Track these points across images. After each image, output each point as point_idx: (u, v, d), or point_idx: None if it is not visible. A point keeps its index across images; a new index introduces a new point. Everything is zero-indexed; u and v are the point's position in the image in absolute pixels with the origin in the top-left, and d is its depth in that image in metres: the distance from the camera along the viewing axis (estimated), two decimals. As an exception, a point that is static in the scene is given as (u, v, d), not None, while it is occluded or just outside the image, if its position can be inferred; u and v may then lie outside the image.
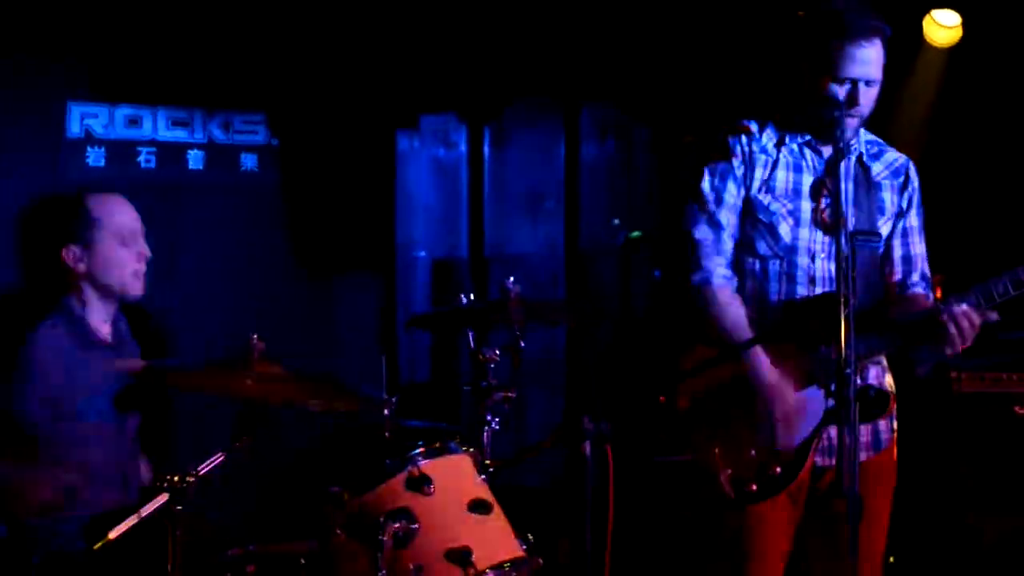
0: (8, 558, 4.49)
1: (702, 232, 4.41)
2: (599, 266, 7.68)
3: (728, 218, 4.40)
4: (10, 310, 4.80)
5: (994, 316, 4.19)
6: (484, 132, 7.67)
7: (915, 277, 4.49)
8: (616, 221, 7.60)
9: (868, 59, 4.21)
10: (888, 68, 4.29)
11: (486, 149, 7.68)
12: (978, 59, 6.66)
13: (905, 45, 6.35)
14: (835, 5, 4.29)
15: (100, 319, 4.67)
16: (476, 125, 7.67)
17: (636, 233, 7.42)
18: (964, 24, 6.61)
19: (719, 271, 4.37)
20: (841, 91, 4.21)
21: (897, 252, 4.50)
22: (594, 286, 7.62)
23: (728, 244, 4.41)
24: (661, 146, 7.71)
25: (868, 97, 4.25)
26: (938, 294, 4.57)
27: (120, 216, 4.66)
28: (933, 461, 5.87)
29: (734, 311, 4.33)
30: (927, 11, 6.66)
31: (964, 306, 4.16)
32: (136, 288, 4.68)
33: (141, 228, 4.72)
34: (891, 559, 5.33)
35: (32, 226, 4.77)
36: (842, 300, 3.74)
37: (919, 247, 4.51)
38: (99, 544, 3.90)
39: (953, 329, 4.14)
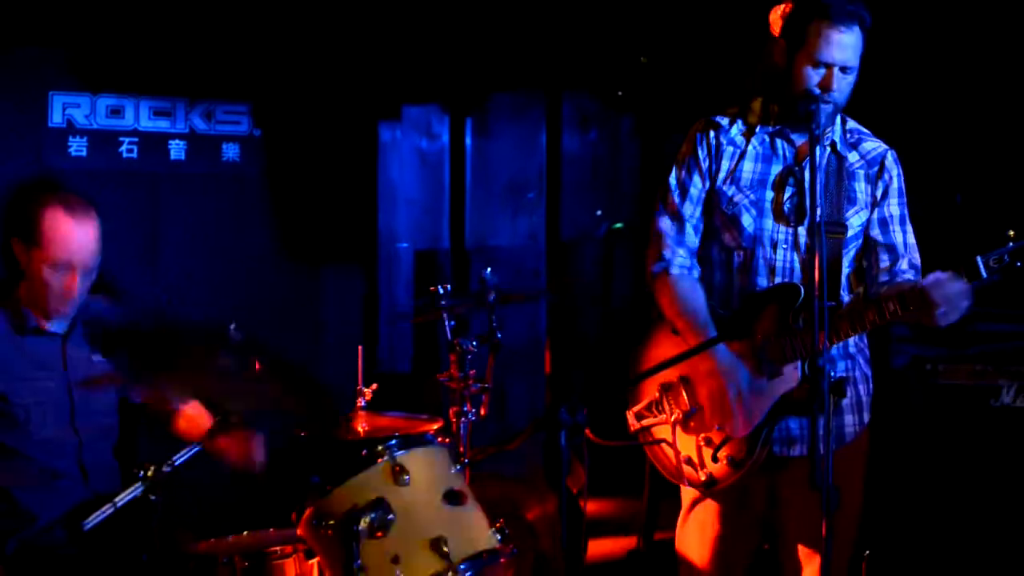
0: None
1: (665, 224, 4.45)
2: (581, 257, 7.71)
3: (692, 210, 4.44)
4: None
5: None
6: (466, 123, 7.68)
7: (903, 265, 4.46)
8: (599, 212, 7.62)
9: (846, 44, 4.22)
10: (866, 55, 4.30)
11: (468, 140, 7.69)
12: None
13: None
14: None
15: (51, 309, 4.62)
16: (458, 116, 7.68)
17: (618, 224, 7.45)
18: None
19: (678, 260, 4.41)
20: (816, 75, 4.22)
21: (879, 241, 4.50)
22: (576, 277, 7.65)
23: (692, 236, 4.44)
24: (644, 135, 7.73)
25: (843, 84, 4.26)
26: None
27: (62, 243, 4.48)
28: (909, 454, 5.89)
29: (692, 299, 4.37)
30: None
31: (937, 273, 4.17)
32: (57, 313, 4.58)
33: (86, 262, 4.52)
34: (867, 552, 5.34)
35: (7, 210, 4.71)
36: (817, 291, 3.77)
37: (901, 236, 4.48)
38: (74, 534, 3.92)
39: (936, 297, 4.13)
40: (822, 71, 4.22)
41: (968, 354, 5.84)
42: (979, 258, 4.12)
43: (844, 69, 4.24)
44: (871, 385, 4.47)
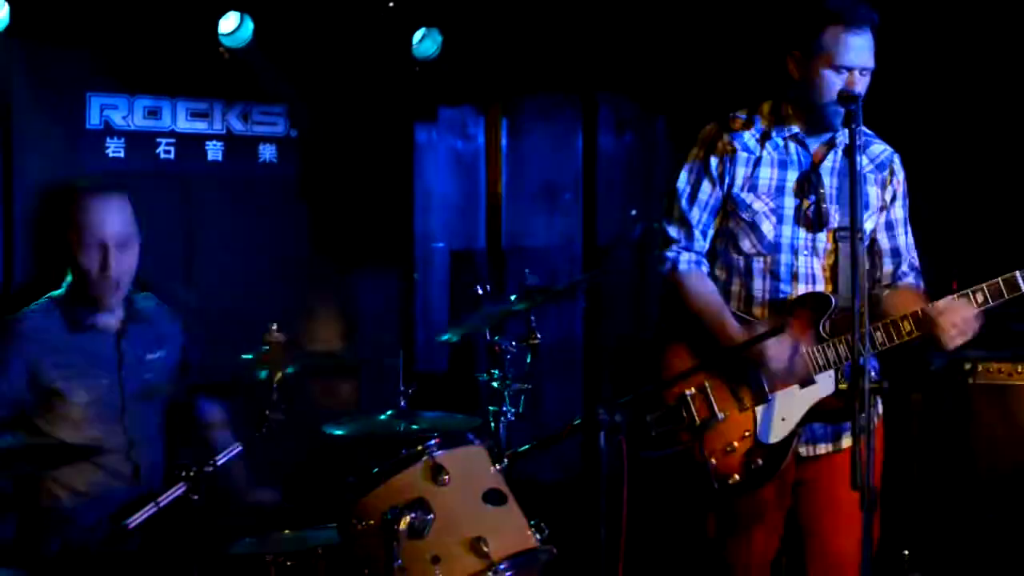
0: (26, 547, 4.52)
1: (673, 228, 4.47)
2: (616, 258, 7.70)
3: (700, 215, 4.44)
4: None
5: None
6: (502, 124, 7.68)
7: (904, 267, 4.54)
8: (633, 212, 7.61)
9: (863, 47, 4.26)
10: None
11: (504, 141, 7.70)
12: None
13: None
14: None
15: (103, 305, 4.66)
16: (494, 117, 7.68)
17: (655, 225, 7.43)
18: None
19: (683, 257, 4.42)
20: (839, 81, 4.24)
21: (884, 244, 4.54)
22: (611, 278, 7.64)
23: (700, 241, 4.46)
24: (679, 137, 7.72)
25: (863, 86, 4.28)
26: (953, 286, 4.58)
27: (92, 225, 4.55)
28: (949, 454, 5.87)
29: (705, 291, 4.39)
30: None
31: (950, 299, 4.22)
32: (106, 298, 4.63)
33: (118, 238, 4.57)
34: (905, 552, 5.34)
35: (44, 210, 4.76)
36: (856, 296, 3.77)
37: (904, 238, 4.56)
38: (117, 534, 3.94)
39: (945, 323, 4.19)
40: (844, 75, 4.24)
41: (1005, 355, 5.83)
42: (1018, 273, 4.17)
43: (862, 71, 4.26)
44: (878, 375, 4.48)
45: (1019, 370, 5.78)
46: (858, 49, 4.24)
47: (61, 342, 4.59)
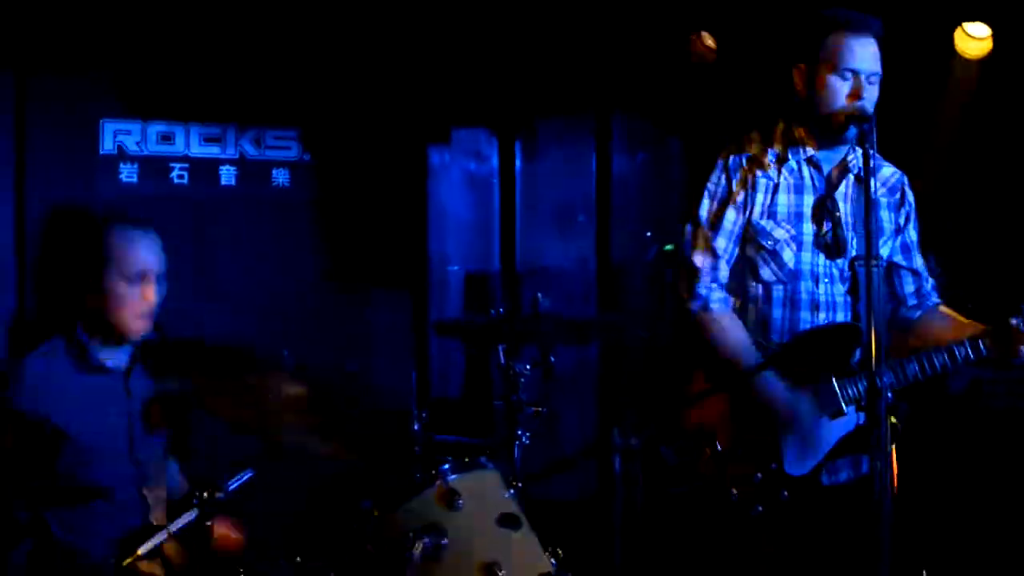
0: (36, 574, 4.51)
1: (699, 259, 4.41)
2: (631, 280, 7.67)
3: (725, 244, 4.40)
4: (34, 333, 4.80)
5: None
6: (515, 145, 7.67)
7: (927, 287, 4.52)
8: (648, 234, 7.59)
9: (866, 51, 4.23)
10: (919, 80, 4.29)
11: (517, 162, 7.68)
12: (1010, 70, 6.63)
13: (937, 58, 6.34)
14: (826, 10, 4.31)
15: (110, 348, 4.65)
16: (507, 139, 7.67)
17: (669, 247, 7.41)
18: (994, 36, 6.59)
19: (715, 295, 4.38)
20: (845, 86, 4.20)
21: (903, 265, 4.51)
22: (626, 300, 7.61)
23: (724, 270, 4.42)
24: (694, 158, 7.70)
25: (871, 93, 4.24)
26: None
27: (133, 254, 4.56)
28: (970, 477, 5.84)
29: (735, 334, 4.34)
30: (958, 24, 6.64)
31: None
32: (137, 329, 4.62)
33: (157, 269, 4.61)
34: (924, 572, 5.29)
35: (51, 246, 4.75)
36: (873, 325, 3.73)
37: (920, 260, 4.56)
38: (128, 560, 3.92)
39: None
40: (849, 80, 4.22)
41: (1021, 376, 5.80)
42: None
43: (870, 77, 4.23)
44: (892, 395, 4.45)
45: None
46: (861, 52, 4.22)
47: (68, 384, 4.57)
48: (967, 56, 6.64)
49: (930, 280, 4.53)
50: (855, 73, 4.21)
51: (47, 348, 4.63)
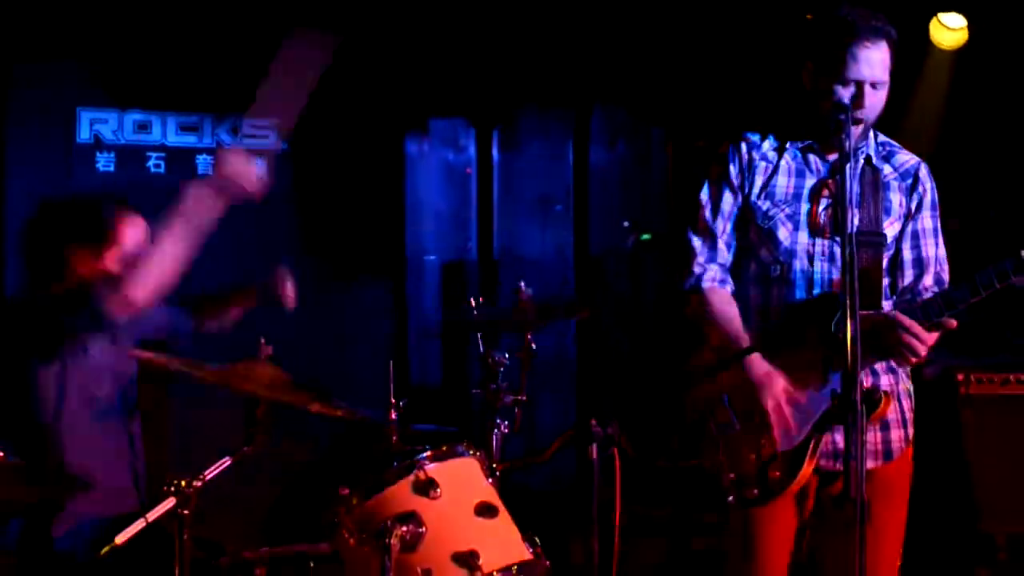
0: (19, 562, 4.51)
1: (696, 241, 4.42)
2: (610, 268, 7.69)
3: (723, 226, 4.41)
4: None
5: (952, 324, 4.17)
6: (493, 136, 7.68)
7: (927, 281, 4.44)
8: (626, 223, 7.61)
9: (874, 61, 4.19)
10: (895, 71, 4.28)
11: (495, 153, 7.70)
12: (984, 61, 6.67)
13: (912, 48, 6.36)
14: (842, 9, 4.28)
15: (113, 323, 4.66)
16: (485, 129, 7.68)
17: (646, 236, 7.44)
18: (969, 27, 6.62)
19: (709, 274, 4.38)
20: (846, 93, 4.19)
21: (907, 255, 4.47)
22: (604, 289, 7.63)
23: (724, 252, 4.42)
24: (673, 148, 7.73)
25: (874, 100, 4.22)
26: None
27: (134, 239, 4.64)
28: (941, 465, 5.86)
29: (727, 312, 4.34)
30: (933, 14, 6.68)
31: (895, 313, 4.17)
32: (123, 311, 4.64)
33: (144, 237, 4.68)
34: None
35: (43, 227, 4.76)
36: (848, 303, 3.73)
37: (933, 250, 4.46)
38: (106, 549, 3.92)
39: (894, 340, 4.15)
40: (852, 89, 4.20)
41: (996, 363, 5.82)
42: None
43: (874, 85, 4.22)
44: (913, 400, 4.44)
45: (1012, 380, 5.77)
46: (867, 62, 4.18)
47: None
48: (942, 47, 6.68)
49: (937, 274, 4.47)
50: (859, 83, 4.21)
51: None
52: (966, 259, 4.58)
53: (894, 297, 4.43)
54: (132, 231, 4.67)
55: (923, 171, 4.48)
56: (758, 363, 4.25)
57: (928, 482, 5.73)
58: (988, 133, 6.72)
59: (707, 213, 4.43)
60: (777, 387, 4.20)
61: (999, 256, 4.08)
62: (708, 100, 7.10)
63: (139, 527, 3.87)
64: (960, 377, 5.83)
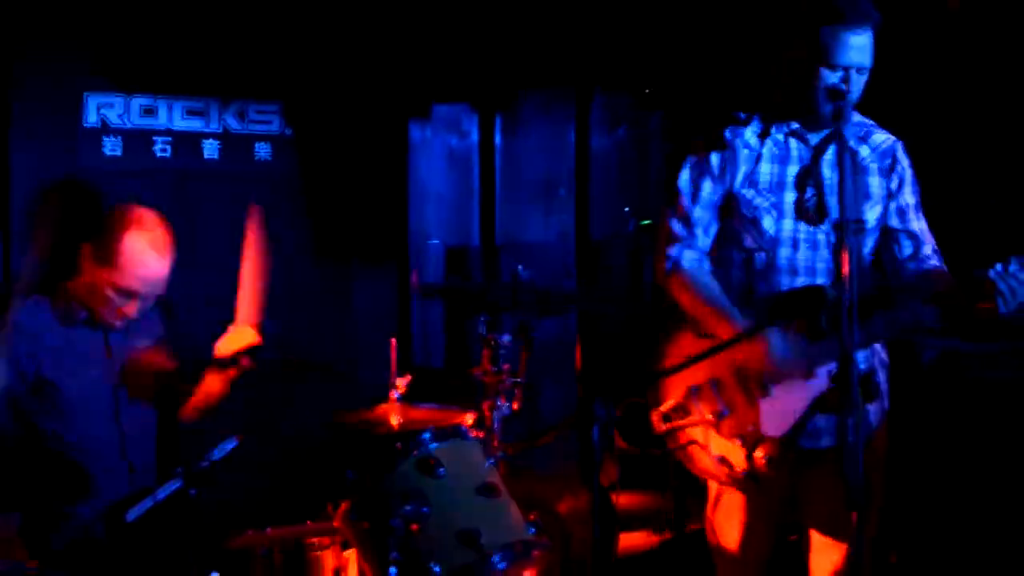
0: (28, 545, 4.55)
1: (675, 226, 4.47)
2: (611, 253, 7.72)
3: (703, 213, 4.45)
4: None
5: None
6: (496, 121, 7.71)
7: (927, 250, 4.50)
8: (627, 209, 7.64)
9: (861, 46, 4.24)
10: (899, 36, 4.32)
11: (498, 138, 7.72)
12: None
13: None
14: None
15: (104, 320, 4.70)
16: (488, 114, 7.71)
17: (647, 221, 7.47)
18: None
19: (686, 256, 4.43)
20: (833, 78, 4.24)
21: (899, 229, 4.53)
22: (606, 274, 7.66)
23: (702, 238, 4.46)
24: (674, 133, 7.75)
25: (858, 84, 4.29)
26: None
27: (134, 275, 4.60)
28: (941, 450, 5.88)
29: (709, 289, 4.38)
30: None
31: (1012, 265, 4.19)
32: (108, 324, 4.69)
33: (151, 292, 4.67)
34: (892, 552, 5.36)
35: (59, 208, 4.77)
36: (846, 288, 3.77)
37: (918, 223, 4.53)
38: (117, 527, 3.97)
39: (1003, 287, 4.16)
40: (840, 74, 4.24)
41: (994, 348, 5.84)
42: None
43: (859, 70, 4.27)
44: (888, 371, 4.49)
45: (1010, 364, 5.78)
46: (855, 48, 4.22)
47: (51, 334, 4.62)
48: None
49: (930, 244, 4.54)
50: (846, 68, 4.25)
51: (32, 299, 4.67)
52: (968, 248, 4.63)
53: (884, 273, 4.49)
54: (139, 264, 4.60)
55: (899, 149, 4.54)
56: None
57: (928, 464, 5.79)
58: (993, 119, 6.71)
59: (686, 200, 4.48)
60: (771, 377, 4.25)
61: (999, 251, 4.14)
62: (709, 84, 7.12)
63: (148, 506, 3.92)
64: (961, 362, 5.83)
